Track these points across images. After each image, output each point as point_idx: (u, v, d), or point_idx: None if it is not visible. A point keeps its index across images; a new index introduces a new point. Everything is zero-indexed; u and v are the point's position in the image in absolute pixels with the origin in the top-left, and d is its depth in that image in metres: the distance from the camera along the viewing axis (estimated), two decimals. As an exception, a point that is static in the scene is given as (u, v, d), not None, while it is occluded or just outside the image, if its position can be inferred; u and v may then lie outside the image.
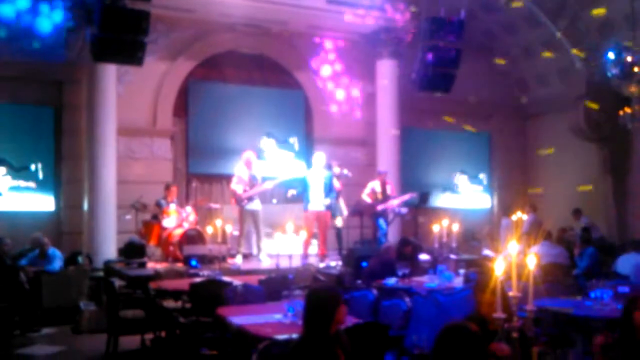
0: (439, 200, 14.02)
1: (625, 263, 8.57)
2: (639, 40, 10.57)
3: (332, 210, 10.51)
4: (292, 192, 10.78)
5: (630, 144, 13.26)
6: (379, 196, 10.89)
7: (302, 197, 10.33)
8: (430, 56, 11.45)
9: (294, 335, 4.29)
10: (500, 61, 13.30)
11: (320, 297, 3.58)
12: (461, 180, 14.86)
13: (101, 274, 9.45)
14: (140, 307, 7.16)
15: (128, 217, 10.60)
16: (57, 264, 9.47)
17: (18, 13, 10.41)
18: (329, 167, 10.72)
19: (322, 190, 10.14)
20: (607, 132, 13.11)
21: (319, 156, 10.42)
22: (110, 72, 10.58)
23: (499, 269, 2.95)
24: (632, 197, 13.35)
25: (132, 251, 9.50)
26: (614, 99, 12.03)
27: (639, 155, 13.17)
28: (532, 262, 2.99)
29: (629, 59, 10.17)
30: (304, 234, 9.85)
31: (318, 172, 10.27)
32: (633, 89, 10.99)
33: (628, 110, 11.13)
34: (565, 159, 13.98)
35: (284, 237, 10.90)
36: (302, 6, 11.85)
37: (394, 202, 11.17)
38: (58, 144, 11.36)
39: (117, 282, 7.84)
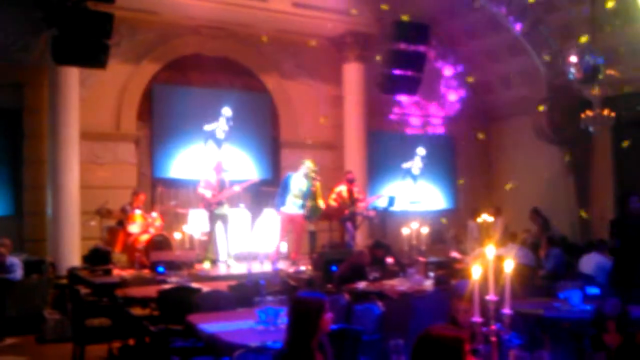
0: (406, 203, 14.06)
1: (587, 263, 8.72)
2: (599, 43, 10.78)
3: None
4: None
5: (592, 146, 13.51)
6: (346, 200, 10.88)
7: (275, 198, 10.27)
8: (394, 59, 11.57)
9: (268, 343, 4.25)
10: (469, 79, 13.47)
11: (306, 304, 3.43)
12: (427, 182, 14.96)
13: (65, 281, 9.23)
14: (107, 315, 7.02)
15: (92, 223, 10.37)
16: (18, 272, 9.19)
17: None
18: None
19: (299, 197, 10.11)
20: (570, 134, 13.33)
21: (307, 164, 10.28)
22: (72, 75, 10.36)
23: (475, 273, 2.95)
24: (594, 198, 13.60)
25: (97, 258, 9.31)
26: (576, 101, 12.27)
27: (600, 157, 13.43)
28: (509, 266, 2.99)
29: (591, 62, 10.36)
30: (276, 237, 9.73)
31: (301, 178, 10.20)
32: (595, 91, 11.23)
33: (589, 113, 11.34)
34: (528, 161, 14.19)
35: (253, 241, 10.86)
36: (268, 9, 11.83)
37: (362, 205, 11.17)
38: (19, 147, 11.07)
39: (82, 290, 7.68)
